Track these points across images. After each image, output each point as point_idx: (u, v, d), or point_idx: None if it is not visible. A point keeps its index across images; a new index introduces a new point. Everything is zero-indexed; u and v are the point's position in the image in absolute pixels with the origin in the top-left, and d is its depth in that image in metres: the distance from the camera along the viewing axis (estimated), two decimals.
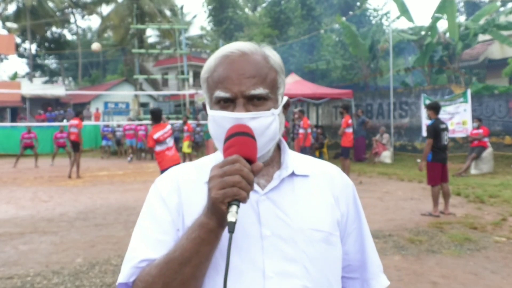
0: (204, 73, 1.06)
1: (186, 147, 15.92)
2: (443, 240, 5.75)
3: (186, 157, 15.89)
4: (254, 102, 1.00)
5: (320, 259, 1.02)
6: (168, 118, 22.14)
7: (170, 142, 7.49)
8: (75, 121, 12.71)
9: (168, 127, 7.59)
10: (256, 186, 1.03)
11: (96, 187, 10.90)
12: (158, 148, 7.36)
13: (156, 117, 7.48)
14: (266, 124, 1.00)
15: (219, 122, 1.00)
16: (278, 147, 1.13)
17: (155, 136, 7.26)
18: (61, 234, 6.25)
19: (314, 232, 1.03)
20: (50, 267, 4.80)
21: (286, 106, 1.11)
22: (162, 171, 7.27)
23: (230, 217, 0.84)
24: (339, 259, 1.09)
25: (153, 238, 1.01)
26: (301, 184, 1.08)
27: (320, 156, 15.85)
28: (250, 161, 0.91)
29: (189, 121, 19.92)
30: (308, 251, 1.01)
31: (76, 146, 12.63)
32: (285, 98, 1.10)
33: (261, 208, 1.02)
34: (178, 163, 8.21)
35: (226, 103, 1.01)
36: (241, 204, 0.93)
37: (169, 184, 1.08)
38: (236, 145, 0.92)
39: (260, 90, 1.00)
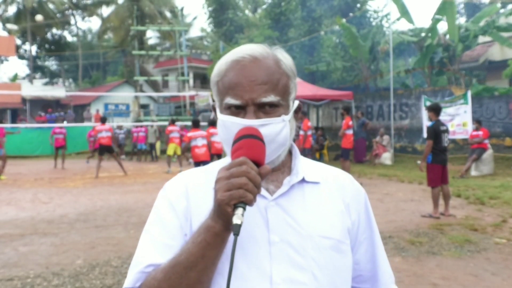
0: (214, 76, 1.04)
1: (170, 149, 14.91)
2: (443, 241, 5.75)
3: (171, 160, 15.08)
4: (265, 109, 0.99)
5: (329, 266, 1.00)
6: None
7: (199, 142, 10.00)
8: (105, 126, 13.74)
9: (201, 132, 10.32)
10: (265, 192, 1.02)
11: (96, 189, 10.90)
12: (191, 144, 10.20)
13: (195, 123, 10.70)
14: (277, 131, 0.99)
15: (228, 127, 0.99)
16: (290, 153, 1.11)
17: (189, 134, 10.39)
18: (61, 236, 6.25)
19: (324, 240, 1.01)
20: (50, 268, 4.80)
21: (297, 111, 1.09)
22: (195, 163, 10.17)
23: (236, 220, 0.83)
24: (349, 267, 1.07)
25: (160, 243, 1.00)
26: (312, 190, 1.06)
27: (320, 158, 15.86)
28: (258, 163, 0.89)
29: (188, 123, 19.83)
30: (317, 259, 0.99)
31: (110, 149, 13.78)
32: (296, 103, 1.08)
33: (270, 214, 1.00)
34: (201, 160, 9.46)
35: (237, 110, 0.99)
36: (250, 209, 0.92)
37: (177, 189, 1.07)
38: (244, 148, 0.90)
39: (271, 98, 0.98)
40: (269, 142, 0.96)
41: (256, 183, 0.85)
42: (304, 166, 1.09)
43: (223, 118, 1.01)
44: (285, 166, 1.08)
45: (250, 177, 0.85)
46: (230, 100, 0.99)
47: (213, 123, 11.16)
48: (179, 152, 15.04)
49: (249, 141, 0.91)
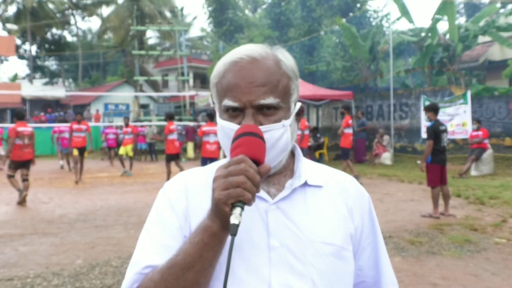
0: (213, 78, 1.01)
1: (129, 150, 14.33)
2: (443, 241, 5.75)
3: (129, 160, 14.43)
4: (264, 111, 0.96)
5: (329, 273, 0.97)
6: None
7: (212, 139, 9.57)
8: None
9: (215, 128, 9.81)
10: (266, 195, 0.99)
11: (96, 189, 10.90)
12: (203, 139, 9.79)
13: (211, 117, 10.01)
14: (277, 137, 0.96)
15: (227, 132, 0.97)
16: (293, 155, 1.08)
17: (204, 128, 9.85)
18: (61, 236, 6.25)
19: (325, 246, 0.98)
20: (50, 268, 4.80)
21: (299, 113, 1.05)
22: (202, 158, 9.79)
23: (233, 219, 0.80)
24: (351, 274, 1.03)
25: (159, 243, 0.97)
26: (314, 194, 1.03)
27: (320, 157, 15.86)
28: (257, 162, 0.86)
29: (189, 123, 19.89)
30: (317, 265, 0.96)
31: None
32: (298, 105, 1.04)
33: (270, 218, 0.97)
34: (209, 157, 9.04)
35: (234, 112, 0.96)
36: (250, 213, 0.90)
37: (177, 189, 1.05)
38: (243, 145, 0.87)
39: (270, 100, 0.95)
40: (269, 148, 0.93)
41: (254, 182, 0.82)
42: (307, 169, 1.06)
43: (221, 124, 0.99)
44: (287, 169, 1.05)
45: (249, 175, 0.81)
46: (227, 102, 0.96)
47: (211, 117, 10.96)
48: (130, 153, 14.52)
49: (249, 139, 0.88)
